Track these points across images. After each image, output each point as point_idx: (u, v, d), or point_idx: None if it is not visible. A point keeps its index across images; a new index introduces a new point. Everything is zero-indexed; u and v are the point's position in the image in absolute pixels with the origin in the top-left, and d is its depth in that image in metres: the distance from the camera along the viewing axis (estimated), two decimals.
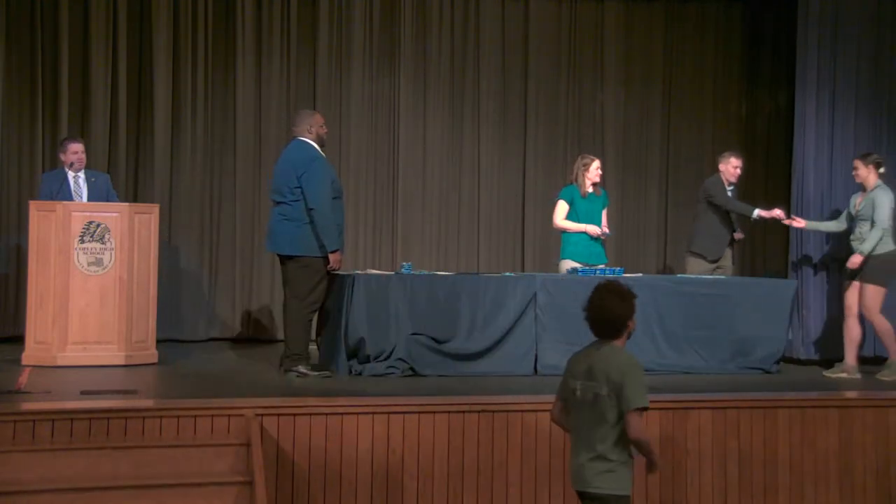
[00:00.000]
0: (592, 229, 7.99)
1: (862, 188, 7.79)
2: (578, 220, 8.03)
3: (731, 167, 8.39)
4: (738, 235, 8.52)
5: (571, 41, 10.30)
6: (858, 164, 7.73)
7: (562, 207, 8.07)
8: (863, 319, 7.70)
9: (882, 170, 7.67)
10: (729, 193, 8.40)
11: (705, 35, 10.51)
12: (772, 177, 10.40)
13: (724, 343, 7.76)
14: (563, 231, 8.10)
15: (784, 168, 9.63)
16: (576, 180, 8.11)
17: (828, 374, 7.73)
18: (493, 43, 10.15)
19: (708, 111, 10.51)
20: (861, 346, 7.78)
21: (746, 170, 10.39)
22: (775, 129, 10.47)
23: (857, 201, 7.77)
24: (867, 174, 7.66)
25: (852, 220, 7.82)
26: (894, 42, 8.84)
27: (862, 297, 7.51)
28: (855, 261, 7.55)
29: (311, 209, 6.82)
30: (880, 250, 7.51)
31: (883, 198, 7.54)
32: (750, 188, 10.44)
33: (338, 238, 6.94)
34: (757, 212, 8.25)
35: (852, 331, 7.67)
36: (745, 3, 10.51)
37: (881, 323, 7.50)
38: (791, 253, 8.77)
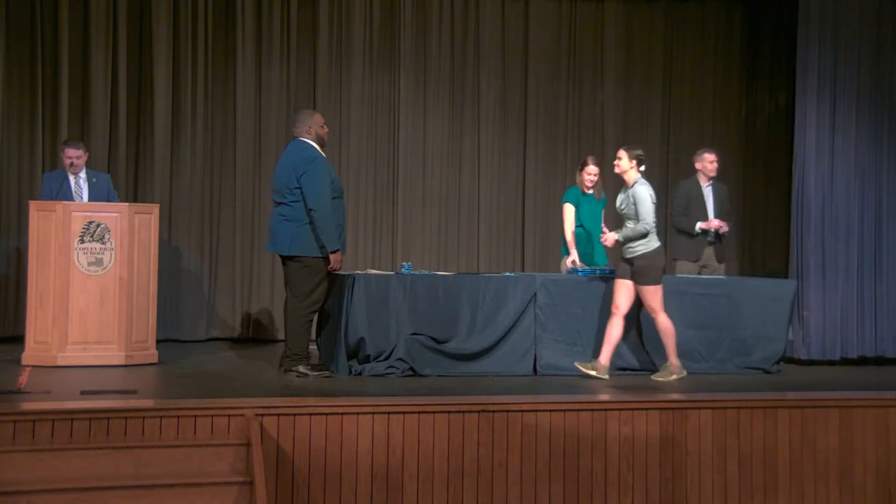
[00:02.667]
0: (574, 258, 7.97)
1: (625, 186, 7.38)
2: (584, 222, 8.03)
3: (706, 163, 8.39)
4: (722, 228, 8.33)
5: (571, 41, 10.30)
6: (623, 153, 7.28)
7: (570, 213, 8.02)
8: (630, 320, 7.34)
9: (643, 168, 7.25)
10: (709, 188, 8.37)
11: (705, 35, 10.52)
12: (772, 177, 10.40)
13: (724, 343, 7.76)
14: (569, 242, 8.06)
15: (784, 168, 9.63)
16: (577, 180, 8.14)
17: (580, 365, 7.26)
18: (493, 43, 10.15)
19: (708, 111, 10.51)
20: (616, 347, 7.27)
21: (747, 170, 10.46)
22: (775, 129, 10.47)
23: (619, 199, 7.40)
24: (629, 167, 7.21)
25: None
26: (894, 42, 8.84)
27: (644, 300, 7.16)
28: (609, 242, 7.23)
29: (311, 210, 6.81)
30: (645, 249, 7.12)
31: (643, 194, 7.15)
32: (750, 188, 10.48)
33: (338, 238, 6.94)
34: (699, 225, 8.24)
35: (614, 329, 7.18)
36: (745, 3, 10.51)
37: (665, 322, 7.15)
38: (791, 253, 8.77)
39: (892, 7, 8.85)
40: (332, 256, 6.88)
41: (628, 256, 7.17)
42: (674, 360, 7.21)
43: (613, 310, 7.19)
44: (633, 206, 7.18)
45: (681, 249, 8.36)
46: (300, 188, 6.86)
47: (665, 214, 10.19)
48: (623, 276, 7.20)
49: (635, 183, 7.22)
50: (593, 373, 7.14)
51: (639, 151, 7.28)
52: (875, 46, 8.81)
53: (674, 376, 7.17)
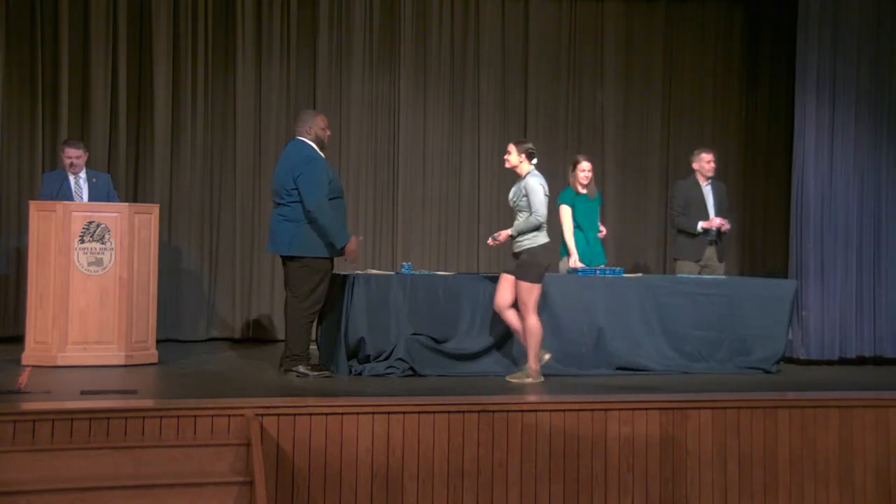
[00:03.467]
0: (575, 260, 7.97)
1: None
2: (579, 221, 8.03)
3: (704, 163, 8.40)
4: (724, 227, 8.35)
5: (571, 41, 10.30)
6: (512, 147, 7.00)
7: (567, 215, 8.03)
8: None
9: (534, 161, 7.00)
10: (709, 188, 8.38)
11: (705, 35, 10.52)
12: (772, 177, 10.40)
13: (724, 343, 7.76)
14: (567, 243, 8.06)
15: (784, 168, 9.63)
16: (570, 181, 8.14)
17: (511, 378, 7.02)
18: (493, 43, 10.15)
19: (708, 111, 10.52)
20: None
21: (746, 170, 10.46)
22: (775, 129, 10.47)
23: (511, 192, 7.12)
24: (518, 161, 6.95)
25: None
26: (894, 42, 8.84)
27: (518, 295, 6.89)
28: (501, 237, 6.97)
29: (309, 211, 6.82)
30: (531, 244, 6.87)
31: (535, 184, 6.88)
32: (750, 188, 10.48)
33: (341, 233, 6.95)
34: (700, 224, 8.24)
35: (514, 324, 7.00)
36: (745, 3, 10.51)
37: (534, 324, 6.85)
38: (791, 253, 8.78)
39: (891, 7, 8.85)
40: (346, 249, 6.90)
41: (515, 250, 6.94)
42: (533, 364, 6.90)
43: (495, 307, 7.01)
44: (524, 199, 6.89)
45: (682, 249, 8.37)
46: (297, 189, 6.86)
47: (665, 214, 10.23)
48: (508, 271, 7.00)
49: (528, 174, 6.93)
50: (529, 380, 6.87)
51: (529, 145, 7.02)
52: (875, 46, 8.81)
53: (529, 379, 6.86)
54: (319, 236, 6.86)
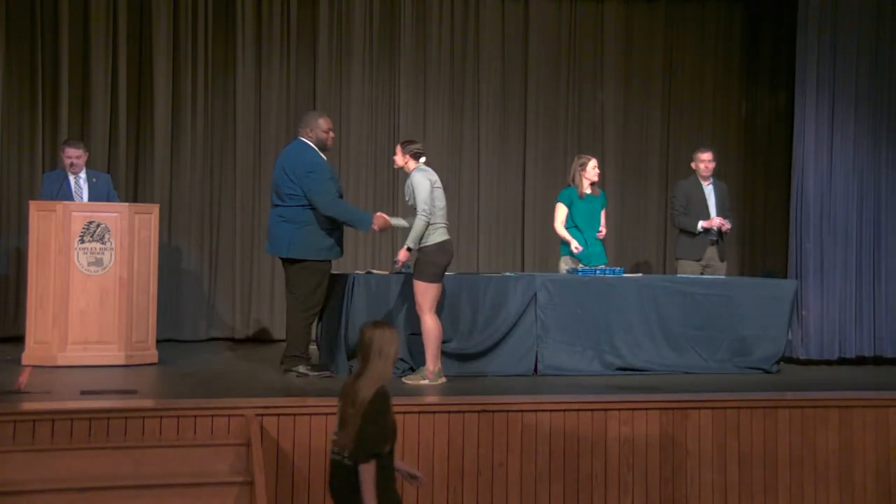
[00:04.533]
0: (577, 247, 7.96)
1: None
2: (578, 222, 8.02)
3: (701, 164, 8.40)
4: (724, 226, 8.37)
5: (571, 41, 10.30)
6: (398, 149, 6.97)
7: (561, 211, 8.05)
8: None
9: (423, 159, 6.95)
10: (710, 187, 8.39)
11: (705, 35, 10.52)
12: (772, 177, 10.40)
13: (724, 343, 7.76)
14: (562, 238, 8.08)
15: (784, 168, 9.63)
16: (573, 181, 8.10)
17: (407, 380, 6.85)
18: (493, 43, 10.15)
19: (708, 111, 10.51)
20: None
21: (746, 170, 10.46)
22: (775, 129, 10.47)
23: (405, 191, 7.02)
24: (403, 163, 6.90)
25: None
26: (894, 42, 8.84)
27: (415, 294, 6.77)
28: (400, 257, 6.85)
29: (326, 217, 6.87)
30: (425, 242, 6.76)
31: (421, 179, 6.76)
32: (750, 188, 10.48)
33: (363, 218, 7.09)
34: (700, 224, 8.25)
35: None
36: (745, 3, 10.51)
37: (431, 325, 6.70)
38: (791, 253, 8.77)
39: (891, 7, 8.85)
40: (375, 222, 7.05)
41: (409, 246, 6.81)
42: (431, 365, 6.74)
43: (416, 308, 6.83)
44: (413, 197, 6.80)
45: (683, 249, 8.37)
46: (301, 192, 6.86)
47: (665, 214, 10.24)
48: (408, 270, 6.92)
49: (414, 171, 6.85)
50: (425, 381, 6.71)
51: (416, 146, 6.96)
52: (874, 46, 8.81)
53: (425, 381, 6.71)
54: (314, 236, 6.87)
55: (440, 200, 6.86)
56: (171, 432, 5.43)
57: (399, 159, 6.96)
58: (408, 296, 7.23)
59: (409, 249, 6.80)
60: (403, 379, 6.80)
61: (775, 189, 10.26)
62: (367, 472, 4.13)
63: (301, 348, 6.96)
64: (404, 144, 7.01)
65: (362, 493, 4.12)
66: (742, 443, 6.16)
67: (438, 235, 6.80)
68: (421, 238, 6.77)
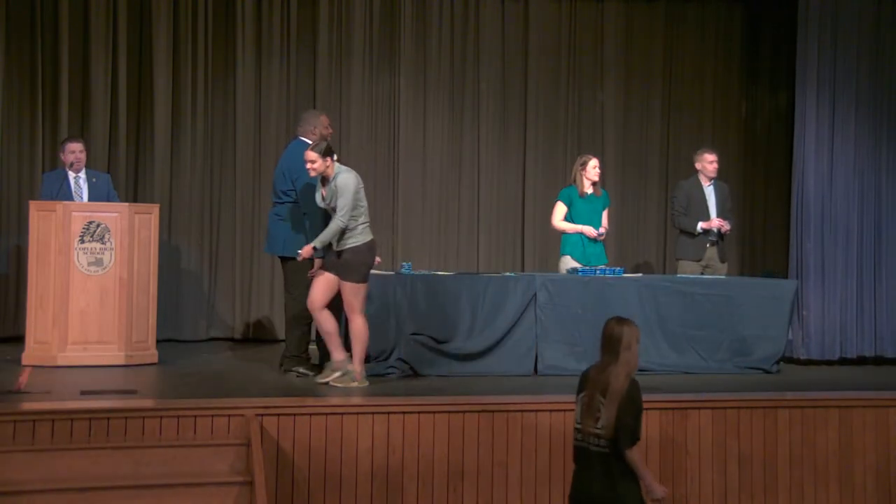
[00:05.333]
0: (589, 231, 7.97)
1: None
2: (578, 221, 8.02)
3: (706, 163, 8.40)
4: (724, 227, 8.36)
5: (571, 41, 10.29)
6: (313, 156, 6.52)
7: (559, 209, 8.06)
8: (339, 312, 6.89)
9: (336, 156, 6.66)
10: (711, 188, 8.39)
11: (705, 35, 10.51)
12: (772, 177, 10.40)
13: (724, 343, 7.76)
14: (562, 231, 8.10)
15: (784, 168, 9.63)
16: (574, 181, 8.10)
17: (321, 379, 6.67)
18: (493, 43, 10.15)
19: (708, 111, 10.51)
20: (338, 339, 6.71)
21: (747, 170, 10.46)
22: (775, 129, 10.47)
23: (326, 194, 6.67)
24: (324, 166, 6.52)
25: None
26: (894, 42, 8.84)
27: (344, 296, 6.56)
28: (304, 253, 6.58)
29: (304, 214, 6.82)
30: (355, 242, 6.55)
31: (347, 182, 6.52)
32: (750, 188, 10.48)
33: (319, 243, 6.87)
34: (700, 225, 8.25)
35: (324, 324, 6.62)
36: (745, 3, 10.51)
37: (360, 326, 6.53)
38: (791, 253, 8.78)
39: (891, 8, 8.85)
40: (316, 260, 6.78)
41: (338, 248, 6.57)
42: (359, 366, 6.55)
43: (308, 306, 6.63)
44: (336, 199, 6.55)
45: (684, 249, 8.37)
46: (294, 190, 6.86)
47: (665, 214, 10.24)
48: (328, 269, 6.61)
49: (338, 174, 6.56)
50: (354, 384, 6.50)
51: (324, 145, 6.58)
52: (874, 47, 8.81)
53: (354, 383, 6.50)
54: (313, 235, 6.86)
55: (364, 199, 6.64)
56: (171, 432, 5.43)
57: (319, 165, 6.50)
58: (408, 295, 7.23)
59: (314, 248, 6.55)
60: (331, 381, 6.52)
61: (775, 189, 10.25)
62: (636, 454, 4.50)
63: (300, 348, 6.96)
64: (315, 147, 6.56)
65: (639, 473, 4.51)
66: (742, 443, 6.16)
67: (367, 234, 6.63)
68: (330, 241, 6.54)
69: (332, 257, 6.59)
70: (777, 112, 10.47)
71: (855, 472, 6.30)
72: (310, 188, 6.82)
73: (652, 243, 10.41)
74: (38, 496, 5.01)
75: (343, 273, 6.54)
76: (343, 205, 6.48)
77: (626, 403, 4.46)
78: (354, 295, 6.55)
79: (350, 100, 9.83)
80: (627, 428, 4.44)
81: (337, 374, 6.56)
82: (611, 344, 4.59)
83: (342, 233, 6.52)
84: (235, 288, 9.52)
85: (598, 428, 4.48)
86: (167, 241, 9.17)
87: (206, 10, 9.52)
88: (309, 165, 6.50)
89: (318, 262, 6.80)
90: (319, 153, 6.50)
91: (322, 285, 6.60)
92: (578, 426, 4.58)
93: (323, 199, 6.63)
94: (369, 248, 6.64)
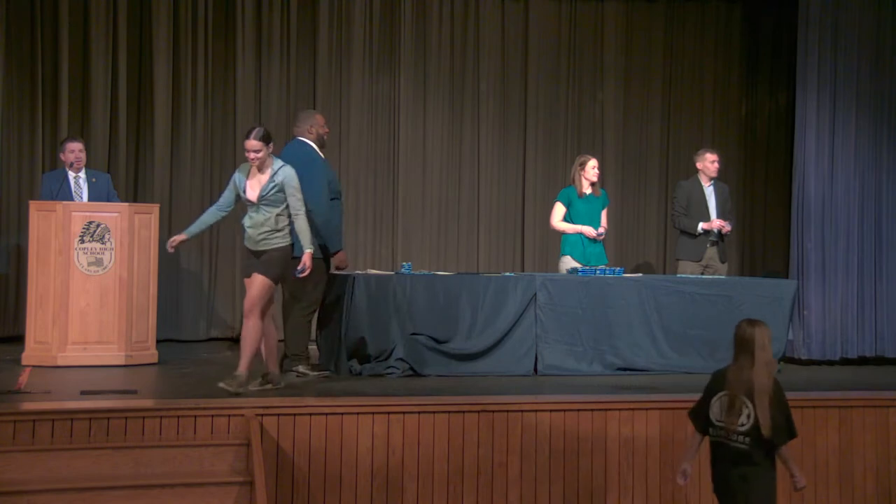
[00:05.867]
0: (588, 231, 7.98)
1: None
2: (577, 222, 8.02)
3: (707, 163, 8.40)
4: (725, 228, 8.34)
5: (571, 41, 10.30)
6: (257, 144, 6.15)
7: (558, 210, 8.07)
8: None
9: (271, 144, 6.27)
10: (711, 188, 8.39)
11: (705, 35, 10.52)
12: (772, 177, 10.41)
13: (724, 343, 7.70)
14: (561, 232, 8.10)
15: (784, 168, 9.63)
16: (573, 181, 8.11)
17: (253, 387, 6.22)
18: (493, 43, 10.15)
19: (708, 111, 10.52)
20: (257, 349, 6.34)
21: (747, 170, 10.46)
22: (775, 129, 10.48)
23: (248, 184, 6.26)
24: (267, 154, 6.20)
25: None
26: (894, 42, 8.84)
27: (254, 289, 6.14)
28: (307, 261, 6.22)
29: (309, 210, 6.81)
30: (284, 242, 6.23)
31: (293, 173, 6.23)
32: (750, 188, 10.48)
33: (334, 239, 6.92)
34: (701, 225, 8.25)
35: (256, 332, 6.24)
36: (745, 3, 10.51)
37: (259, 324, 6.19)
38: (791, 253, 8.78)
39: (891, 8, 8.85)
40: (337, 257, 6.88)
41: (265, 248, 6.17)
42: (249, 367, 6.16)
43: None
44: (279, 192, 6.17)
45: (684, 249, 8.37)
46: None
47: (665, 214, 10.24)
48: (247, 275, 6.23)
49: (282, 166, 6.23)
50: (268, 386, 6.23)
51: (264, 131, 6.20)
52: (875, 46, 8.81)
53: (269, 385, 6.26)
54: (314, 235, 6.85)
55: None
56: (171, 432, 5.43)
57: (263, 154, 6.15)
58: (408, 295, 7.23)
59: (312, 252, 6.25)
60: (221, 384, 6.02)
61: (775, 189, 10.26)
62: (790, 449, 4.80)
63: (300, 347, 6.97)
64: (255, 134, 6.13)
65: (790, 466, 4.79)
66: None
67: (290, 237, 6.29)
68: (305, 231, 6.24)
69: (251, 259, 6.22)
70: (777, 112, 10.47)
71: (855, 472, 6.30)
72: (315, 183, 6.81)
73: (652, 243, 10.42)
74: (38, 496, 5.00)
75: (262, 268, 6.14)
76: (299, 200, 6.20)
77: (775, 403, 4.69)
78: (265, 291, 6.14)
79: (350, 100, 9.83)
80: (783, 427, 4.70)
81: (252, 382, 6.17)
82: (744, 346, 4.79)
83: (270, 232, 6.17)
84: (235, 288, 9.52)
85: (742, 426, 4.66)
86: (167, 241, 9.15)
87: (206, 10, 9.52)
88: (253, 155, 6.14)
89: (339, 256, 6.81)
90: (262, 140, 6.14)
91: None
92: (720, 424, 4.75)
93: (260, 190, 6.14)
94: (290, 251, 6.29)
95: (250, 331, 6.19)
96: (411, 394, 6.24)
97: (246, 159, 6.29)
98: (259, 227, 6.20)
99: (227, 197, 6.39)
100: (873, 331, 8.70)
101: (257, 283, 6.16)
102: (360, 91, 9.86)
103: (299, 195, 6.24)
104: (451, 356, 7.25)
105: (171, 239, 6.34)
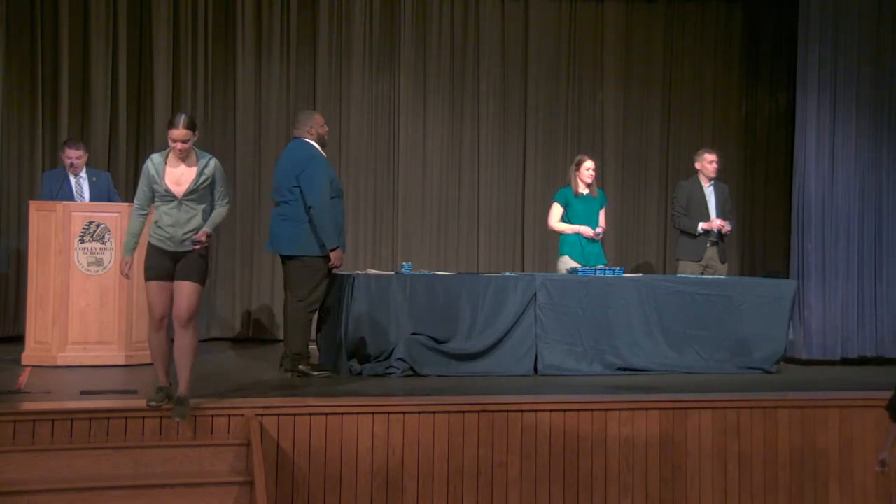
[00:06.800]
0: (586, 230, 7.99)
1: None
2: (575, 222, 8.03)
3: (706, 163, 8.41)
4: (725, 228, 8.32)
5: (571, 41, 10.30)
6: (188, 133, 5.51)
7: (556, 210, 8.08)
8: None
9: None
10: (711, 188, 8.39)
11: (705, 35, 10.52)
12: (772, 177, 10.41)
13: (724, 343, 7.75)
14: (560, 232, 8.11)
15: (784, 168, 9.63)
16: (570, 181, 8.13)
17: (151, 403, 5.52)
18: (493, 43, 10.15)
19: (708, 111, 10.52)
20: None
21: (747, 170, 10.47)
22: (775, 129, 10.48)
23: (168, 178, 5.54)
24: (193, 142, 5.59)
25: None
26: (894, 42, 8.84)
27: (181, 299, 5.49)
28: (202, 238, 5.50)
29: (310, 207, 6.82)
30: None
31: (220, 166, 5.70)
32: (750, 188, 10.48)
33: (337, 236, 6.93)
34: (701, 225, 8.25)
35: (166, 345, 5.66)
36: (745, 3, 10.51)
37: (196, 336, 5.62)
38: (791, 253, 8.78)
39: (891, 8, 8.85)
40: (332, 254, 6.87)
41: (186, 249, 5.51)
42: (189, 386, 5.52)
43: (158, 319, 5.55)
44: (209, 184, 5.58)
45: (684, 250, 8.38)
46: (299, 187, 6.86)
47: (665, 214, 10.24)
48: (160, 277, 5.52)
49: (210, 158, 5.65)
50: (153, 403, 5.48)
51: (191, 117, 5.59)
52: (875, 47, 8.80)
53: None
54: (314, 234, 6.85)
55: None
56: (171, 432, 5.43)
57: (191, 142, 5.54)
58: (408, 295, 7.23)
59: (209, 234, 5.53)
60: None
61: (775, 189, 10.26)
62: None
63: (301, 347, 6.96)
64: (184, 124, 5.49)
65: None
66: (742, 443, 6.16)
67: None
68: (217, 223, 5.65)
69: (166, 260, 5.50)
70: (777, 112, 10.47)
71: (855, 472, 6.30)
72: (316, 180, 6.81)
73: (652, 243, 10.42)
74: (38, 496, 5.01)
75: (191, 273, 5.49)
76: (226, 191, 5.65)
77: None
78: (199, 297, 5.55)
79: (350, 100, 9.84)
80: None
81: (165, 402, 5.48)
82: None
83: (196, 231, 5.52)
84: (235, 288, 9.53)
85: None
86: (122, 270, 9.15)
87: (206, 10, 9.53)
88: (181, 146, 5.48)
89: (335, 254, 6.81)
90: (190, 127, 5.49)
91: (166, 297, 5.52)
92: None
93: (189, 185, 5.50)
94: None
95: (193, 342, 5.49)
96: (411, 394, 6.24)
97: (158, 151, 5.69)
98: (183, 226, 5.49)
99: (145, 195, 5.55)
100: (873, 331, 8.69)
101: (192, 292, 5.47)
102: (360, 91, 9.86)
103: (226, 186, 5.66)
104: (451, 356, 7.25)
105: (124, 265, 5.56)
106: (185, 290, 5.49)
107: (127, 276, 5.66)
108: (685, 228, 8.31)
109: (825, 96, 8.68)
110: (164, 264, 5.52)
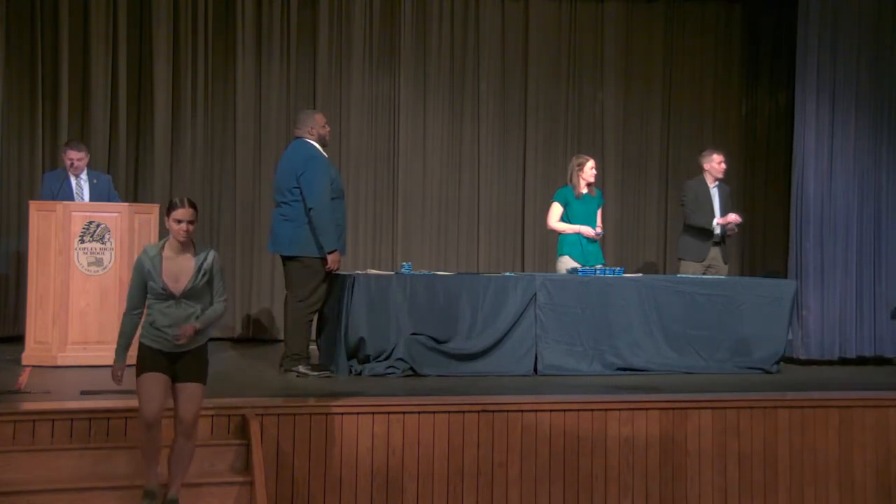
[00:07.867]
0: (586, 230, 7.99)
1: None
2: (574, 222, 8.03)
3: (714, 164, 8.42)
4: (738, 221, 8.37)
5: (571, 41, 10.30)
6: (194, 213, 4.89)
7: (555, 210, 8.08)
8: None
9: None
10: (716, 189, 8.40)
11: (705, 35, 10.52)
12: (771, 177, 10.41)
13: (724, 343, 7.75)
14: (560, 232, 8.11)
15: (784, 168, 9.63)
16: (570, 181, 8.11)
17: None
18: (493, 43, 10.15)
19: (708, 111, 10.52)
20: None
21: (747, 170, 10.46)
22: (775, 129, 10.48)
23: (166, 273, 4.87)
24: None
25: None
26: (894, 42, 8.84)
27: (186, 402, 4.90)
28: (189, 332, 4.83)
29: (310, 209, 6.82)
30: (207, 336, 5.06)
31: (217, 258, 5.02)
32: (750, 188, 10.48)
33: (336, 238, 6.93)
34: (716, 221, 8.26)
35: (158, 441, 4.99)
36: (745, 3, 10.51)
37: (194, 444, 5.03)
38: (791, 253, 8.78)
39: (891, 8, 8.85)
40: (329, 257, 6.87)
41: (186, 349, 4.91)
42: (177, 488, 4.97)
43: (149, 416, 4.84)
44: (208, 280, 4.92)
45: (686, 249, 8.38)
46: (299, 188, 6.86)
47: (665, 214, 10.25)
48: (159, 370, 4.89)
49: (206, 249, 4.97)
50: None
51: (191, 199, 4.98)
52: (875, 47, 8.80)
53: None
54: (314, 234, 6.85)
55: None
56: (172, 432, 5.42)
57: (196, 224, 4.91)
58: (408, 295, 7.23)
59: (196, 330, 4.86)
60: None
61: (775, 189, 10.26)
62: None
63: (301, 348, 6.96)
64: (187, 201, 4.88)
65: None
66: (742, 443, 6.17)
67: None
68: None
69: (162, 359, 4.87)
70: (777, 112, 10.47)
71: (855, 472, 6.30)
72: (316, 181, 6.81)
73: (652, 243, 10.42)
74: (38, 496, 5.01)
75: (196, 374, 4.92)
76: (224, 286, 5.03)
77: None
78: (201, 401, 4.98)
79: (350, 100, 9.84)
80: None
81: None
82: None
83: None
84: (235, 288, 9.52)
85: None
86: (114, 379, 9.12)
87: (206, 10, 9.53)
88: (186, 227, 4.83)
89: (332, 257, 6.80)
90: (194, 206, 4.91)
91: (162, 391, 4.86)
92: None
93: (188, 282, 4.85)
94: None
95: (194, 447, 4.98)
96: (411, 394, 6.24)
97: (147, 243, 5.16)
98: (182, 325, 4.84)
99: (139, 296, 4.92)
100: (872, 331, 8.69)
101: (200, 394, 4.92)
102: (360, 91, 9.86)
103: (223, 281, 5.02)
104: (451, 356, 7.25)
105: (117, 374, 5.05)
106: (191, 392, 4.87)
107: (118, 384, 5.05)
108: (700, 224, 8.30)
109: (824, 96, 8.68)
110: (160, 362, 4.87)
